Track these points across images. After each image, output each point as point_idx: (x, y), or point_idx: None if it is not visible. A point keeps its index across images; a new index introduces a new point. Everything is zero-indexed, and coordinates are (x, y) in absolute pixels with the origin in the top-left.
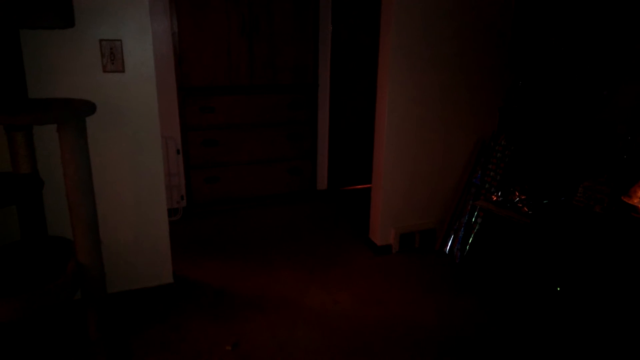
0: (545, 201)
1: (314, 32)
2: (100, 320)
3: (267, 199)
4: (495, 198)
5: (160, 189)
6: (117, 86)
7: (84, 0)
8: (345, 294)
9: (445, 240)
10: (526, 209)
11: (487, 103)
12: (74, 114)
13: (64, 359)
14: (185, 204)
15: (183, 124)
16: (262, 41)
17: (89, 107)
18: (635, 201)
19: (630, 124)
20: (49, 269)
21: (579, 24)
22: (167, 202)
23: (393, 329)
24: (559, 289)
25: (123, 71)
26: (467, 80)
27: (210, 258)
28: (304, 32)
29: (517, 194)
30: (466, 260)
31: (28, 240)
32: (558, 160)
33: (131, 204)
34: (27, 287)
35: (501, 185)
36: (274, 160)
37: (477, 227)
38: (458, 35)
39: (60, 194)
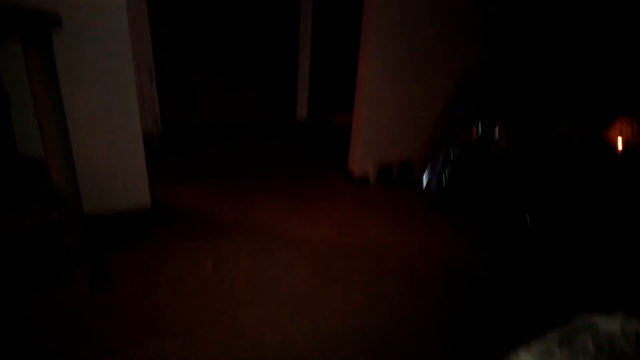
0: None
1: None
2: (78, 241)
3: (246, 127)
4: (475, 132)
5: (134, 109)
6: None
7: None
8: (324, 221)
9: (423, 173)
10: (505, 144)
11: (474, 34)
12: (39, 23)
13: (45, 275)
14: (160, 131)
15: (155, 46)
16: None
17: (54, 18)
18: (614, 135)
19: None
20: (23, 190)
21: None
22: (142, 128)
23: (369, 253)
24: (528, 217)
25: None
26: (453, 9)
27: (188, 185)
28: None
29: (497, 128)
30: (442, 192)
31: None
32: (542, 96)
33: (104, 125)
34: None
35: (482, 119)
36: (253, 86)
37: (454, 160)
38: None
39: (29, 112)
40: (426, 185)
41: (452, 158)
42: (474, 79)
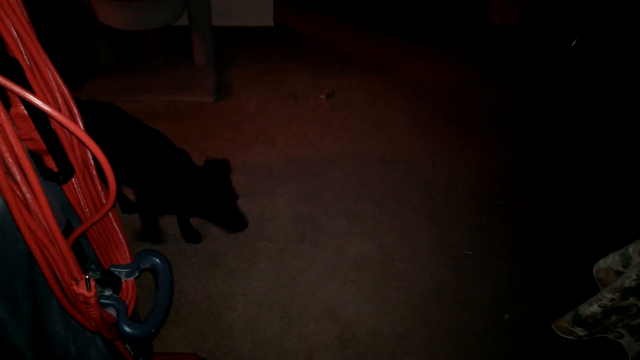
0: None
1: None
2: (205, 48)
3: None
4: None
5: None
6: None
7: None
8: (446, 69)
9: (573, 32)
10: None
11: None
12: None
13: (172, 82)
14: None
15: None
16: None
17: None
18: None
19: None
20: None
21: None
22: None
23: (484, 111)
24: None
25: None
26: None
27: (310, 12)
28: None
29: None
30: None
31: None
32: None
33: None
34: None
35: None
36: None
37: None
38: None
39: None
40: (575, 45)
41: None
42: None
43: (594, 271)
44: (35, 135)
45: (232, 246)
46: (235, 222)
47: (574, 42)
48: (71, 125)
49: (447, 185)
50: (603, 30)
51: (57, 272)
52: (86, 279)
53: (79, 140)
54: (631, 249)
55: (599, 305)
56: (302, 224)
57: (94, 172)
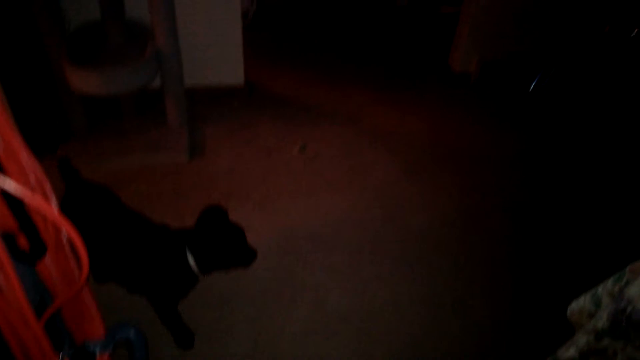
0: None
1: None
2: (178, 109)
3: (342, 8)
4: (607, 29)
5: None
6: None
7: None
8: (414, 117)
9: (532, 74)
10: None
11: None
12: None
13: (145, 141)
14: (255, 9)
15: None
16: None
17: None
18: None
19: None
20: (131, 49)
21: None
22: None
23: (452, 155)
24: None
25: None
26: None
27: (280, 66)
28: None
29: None
30: (550, 100)
31: (108, 20)
32: None
33: (206, 2)
34: (110, 61)
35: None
36: None
37: (573, 63)
38: None
39: None
40: (533, 88)
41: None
42: None
43: (568, 313)
44: (7, 215)
45: (209, 310)
46: (246, 254)
47: (531, 87)
48: (45, 207)
49: (422, 230)
50: (561, 73)
51: (30, 353)
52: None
53: (53, 222)
54: (600, 289)
55: (576, 349)
56: (280, 279)
57: (67, 248)
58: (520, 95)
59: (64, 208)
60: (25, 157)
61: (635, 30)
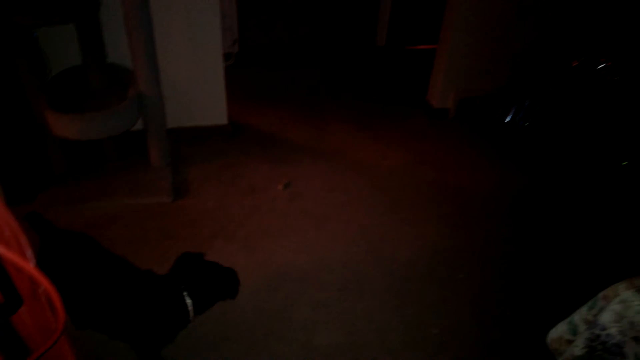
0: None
1: None
2: (161, 150)
3: (322, 48)
4: (575, 63)
5: (216, 30)
6: None
7: None
8: (395, 152)
9: (507, 108)
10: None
11: None
12: None
13: (129, 181)
14: (237, 50)
15: None
16: None
17: None
18: None
19: None
20: (112, 93)
21: None
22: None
23: (434, 188)
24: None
25: None
26: None
27: (263, 105)
28: None
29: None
30: (526, 132)
31: (89, 65)
32: None
33: (187, 45)
34: (91, 106)
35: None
36: (333, 6)
37: (545, 96)
38: None
39: (118, 22)
40: (510, 122)
41: (543, 94)
42: None
43: (547, 341)
44: None
45: (194, 351)
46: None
47: (507, 119)
48: (20, 261)
49: (406, 262)
50: (535, 106)
51: None
52: None
53: (29, 275)
54: (576, 317)
55: None
56: (266, 318)
57: (44, 299)
58: (497, 127)
59: (40, 259)
60: None
61: (602, 64)
